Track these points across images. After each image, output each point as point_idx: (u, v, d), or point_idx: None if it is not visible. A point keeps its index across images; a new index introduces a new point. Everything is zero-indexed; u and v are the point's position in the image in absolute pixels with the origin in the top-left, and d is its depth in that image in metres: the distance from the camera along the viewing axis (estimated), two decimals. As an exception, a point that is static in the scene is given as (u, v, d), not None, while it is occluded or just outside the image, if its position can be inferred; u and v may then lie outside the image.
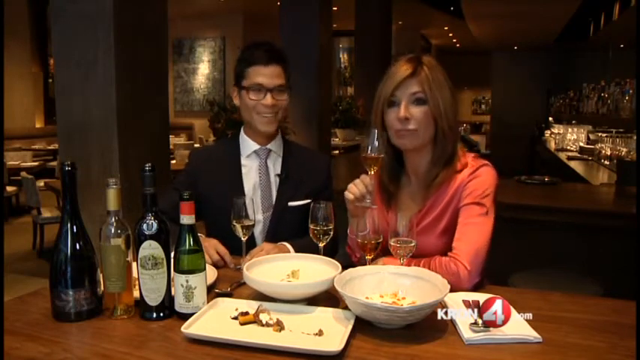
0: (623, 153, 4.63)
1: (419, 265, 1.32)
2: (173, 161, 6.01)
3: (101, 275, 1.17)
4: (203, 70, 11.03)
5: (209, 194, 1.67)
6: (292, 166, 1.76)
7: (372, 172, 1.38)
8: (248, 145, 1.74)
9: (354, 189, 1.37)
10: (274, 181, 1.74)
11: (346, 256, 1.55)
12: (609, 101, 5.23)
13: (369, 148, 1.36)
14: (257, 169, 1.73)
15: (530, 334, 1.04)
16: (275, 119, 1.68)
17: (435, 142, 1.42)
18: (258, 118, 1.67)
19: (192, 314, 1.10)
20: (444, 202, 1.41)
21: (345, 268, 1.24)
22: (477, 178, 1.39)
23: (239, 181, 1.72)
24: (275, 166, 1.75)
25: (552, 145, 7.46)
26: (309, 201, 1.69)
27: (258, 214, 1.69)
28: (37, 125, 9.40)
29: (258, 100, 1.64)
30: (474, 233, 1.34)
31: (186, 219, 1.15)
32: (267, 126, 1.68)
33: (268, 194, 1.72)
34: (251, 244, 1.58)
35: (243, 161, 1.74)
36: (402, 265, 1.27)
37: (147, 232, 1.12)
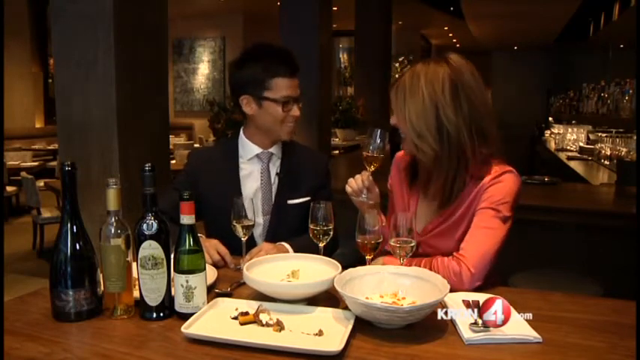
0: (623, 153, 4.62)
1: (419, 265, 1.32)
2: (173, 161, 6.01)
3: (101, 275, 1.17)
4: (203, 70, 11.03)
5: (208, 194, 1.67)
6: (291, 165, 1.76)
7: (371, 170, 1.43)
8: (250, 148, 1.73)
9: (353, 183, 1.44)
10: (274, 182, 1.74)
11: (346, 256, 1.55)
12: (609, 101, 5.23)
13: (370, 146, 1.41)
14: (259, 173, 1.73)
15: (530, 334, 1.04)
16: (296, 127, 1.72)
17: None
18: (284, 129, 1.69)
19: (192, 314, 1.10)
20: (465, 207, 1.40)
21: (345, 268, 1.24)
22: (498, 183, 1.37)
23: (237, 182, 1.71)
24: (275, 167, 1.76)
25: (552, 145, 7.45)
26: (308, 198, 1.69)
27: (258, 216, 1.69)
28: (37, 125, 9.40)
29: (288, 111, 1.66)
30: (483, 237, 1.34)
31: (186, 219, 1.15)
32: (290, 135, 1.72)
33: (269, 197, 1.72)
34: (251, 244, 1.58)
35: (243, 164, 1.73)
36: (402, 265, 1.27)
37: (147, 232, 1.12)
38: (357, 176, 1.44)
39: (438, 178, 1.41)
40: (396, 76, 1.49)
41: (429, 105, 1.34)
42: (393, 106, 1.41)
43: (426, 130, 1.35)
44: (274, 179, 1.74)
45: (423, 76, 1.36)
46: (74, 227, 1.14)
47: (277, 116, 1.65)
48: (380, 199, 1.49)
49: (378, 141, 1.41)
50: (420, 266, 1.31)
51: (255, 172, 1.73)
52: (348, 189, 1.45)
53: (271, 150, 1.74)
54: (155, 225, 1.13)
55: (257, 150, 1.73)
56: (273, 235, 1.68)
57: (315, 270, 1.31)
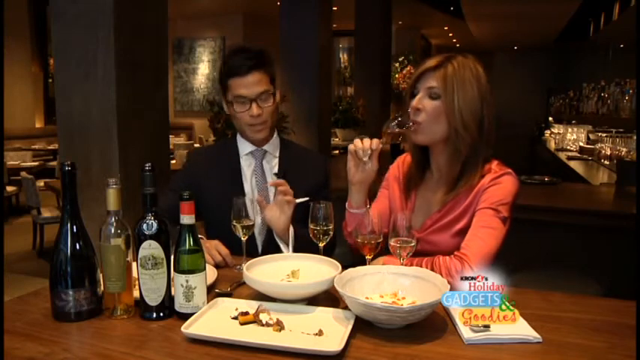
0: (623, 153, 4.63)
1: (421, 265, 1.32)
2: (173, 161, 6.01)
3: (101, 275, 1.17)
4: (203, 70, 11.02)
5: (208, 195, 1.67)
6: (290, 165, 1.76)
7: (384, 142, 1.39)
8: (244, 145, 1.75)
9: (359, 143, 1.39)
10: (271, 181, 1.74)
11: (346, 255, 1.55)
12: (609, 101, 5.24)
13: (394, 122, 1.39)
14: (252, 171, 1.74)
15: (530, 334, 1.04)
16: (265, 126, 1.69)
17: (448, 140, 1.41)
18: (248, 129, 1.68)
19: (192, 314, 1.10)
20: (464, 205, 1.41)
21: (345, 268, 1.24)
22: (498, 184, 1.39)
23: (239, 181, 1.72)
24: (272, 167, 1.76)
25: (552, 145, 7.46)
26: (307, 199, 1.69)
27: (256, 215, 1.69)
28: (37, 125, 9.40)
29: (245, 111, 1.64)
30: (485, 237, 1.34)
31: (186, 219, 1.15)
32: (259, 134, 1.70)
33: (265, 195, 1.72)
34: (250, 244, 1.58)
35: (241, 161, 1.75)
36: (402, 264, 1.27)
37: (147, 232, 1.12)
38: (367, 139, 1.40)
39: (455, 165, 1.42)
40: (430, 61, 1.43)
41: (478, 98, 1.39)
42: (440, 91, 1.38)
43: (472, 121, 1.39)
44: (272, 178, 1.74)
45: (468, 69, 1.40)
46: (74, 227, 1.14)
47: (237, 117, 1.66)
48: (375, 177, 1.45)
49: (397, 120, 1.38)
50: (420, 266, 1.31)
51: (249, 169, 1.74)
52: (352, 147, 1.40)
53: (265, 148, 1.74)
54: (155, 225, 1.13)
55: (250, 147, 1.74)
56: (270, 234, 1.67)
57: (315, 270, 1.31)
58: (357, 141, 1.40)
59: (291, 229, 1.59)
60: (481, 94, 1.39)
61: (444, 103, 1.38)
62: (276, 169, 1.75)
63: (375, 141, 1.38)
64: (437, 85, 1.39)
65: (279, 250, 1.60)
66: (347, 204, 1.49)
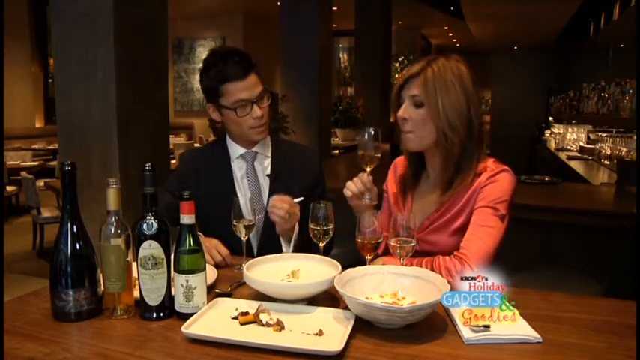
0: (623, 153, 4.63)
1: (421, 265, 1.32)
2: (173, 161, 6.00)
3: (101, 275, 1.17)
4: (203, 70, 11.00)
5: (200, 198, 1.66)
6: (282, 165, 1.74)
7: (369, 170, 1.41)
8: (234, 149, 1.73)
9: (352, 187, 1.41)
10: (264, 183, 1.73)
11: (345, 255, 1.55)
12: (609, 101, 5.25)
13: (366, 145, 1.40)
14: (245, 173, 1.73)
15: (530, 334, 1.04)
16: (266, 126, 1.68)
17: (438, 144, 1.41)
18: (250, 132, 1.66)
19: (192, 314, 1.10)
20: (461, 204, 1.41)
21: (345, 268, 1.24)
22: (494, 182, 1.39)
23: (231, 182, 1.71)
24: (264, 168, 1.74)
25: (552, 145, 7.46)
26: (301, 199, 1.68)
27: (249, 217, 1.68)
28: (37, 125, 9.41)
29: (246, 114, 1.62)
30: (484, 236, 1.34)
31: (186, 219, 1.15)
32: (261, 135, 1.69)
33: (258, 197, 1.71)
34: (247, 246, 1.58)
35: (232, 164, 1.73)
36: (402, 264, 1.27)
37: (147, 232, 1.12)
38: (356, 179, 1.41)
39: (448, 167, 1.42)
40: (404, 69, 1.46)
41: (463, 99, 1.38)
42: (423, 98, 1.38)
43: (459, 123, 1.38)
44: (264, 180, 1.73)
45: (449, 70, 1.38)
46: (74, 227, 1.14)
47: (237, 121, 1.63)
48: (377, 199, 1.48)
49: (373, 140, 1.40)
50: (420, 266, 1.32)
51: (241, 172, 1.73)
52: (348, 193, 1.42)
53: (255, 149, 1.73)
54: (155, 225, 1.13)
55: (241, 150, 1.72)
56: (267, 237, 1.67)
57: (315, 270, 1.31)
58: (350, 185, 1.41)
59: (296, 227, 1.58)
60: (466, 94, 1.38)
61: (429, 110, 1.38)
62: (268, 171, 1.73)
63: (365, 179, 1.40)
64: (419, 92, 1.39)
65: (275, 252, 1.60)
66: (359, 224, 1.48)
